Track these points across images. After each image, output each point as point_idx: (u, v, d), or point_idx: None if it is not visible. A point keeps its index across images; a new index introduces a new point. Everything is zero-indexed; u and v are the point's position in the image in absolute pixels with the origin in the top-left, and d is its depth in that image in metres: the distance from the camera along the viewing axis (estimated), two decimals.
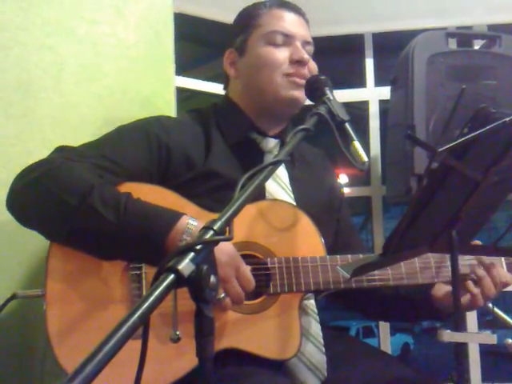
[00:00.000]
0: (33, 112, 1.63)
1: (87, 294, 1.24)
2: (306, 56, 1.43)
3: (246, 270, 1.20)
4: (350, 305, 1.68)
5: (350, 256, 1.35)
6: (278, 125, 1.52)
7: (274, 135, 1.51)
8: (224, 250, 1.13)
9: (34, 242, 1.46)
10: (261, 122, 1.49)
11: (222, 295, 1.20)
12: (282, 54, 1.43)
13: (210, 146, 1.42)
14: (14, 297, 1.36)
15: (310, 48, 1.49)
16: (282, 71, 1.42)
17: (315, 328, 1.38)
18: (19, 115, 1.61)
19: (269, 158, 1.47)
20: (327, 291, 1.41)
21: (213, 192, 1.36)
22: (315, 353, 1.35)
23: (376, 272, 1.34)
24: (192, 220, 1.18)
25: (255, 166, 1.43)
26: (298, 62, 1.42)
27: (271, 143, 1.49)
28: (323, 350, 1.37)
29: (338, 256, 1.34)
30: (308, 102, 1.30)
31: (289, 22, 1.46)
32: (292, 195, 1.45)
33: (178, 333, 1.16)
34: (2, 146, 1.56)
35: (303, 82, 1.40)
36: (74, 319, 1.23)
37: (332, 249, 1.48)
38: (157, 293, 0.68)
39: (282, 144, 1.51)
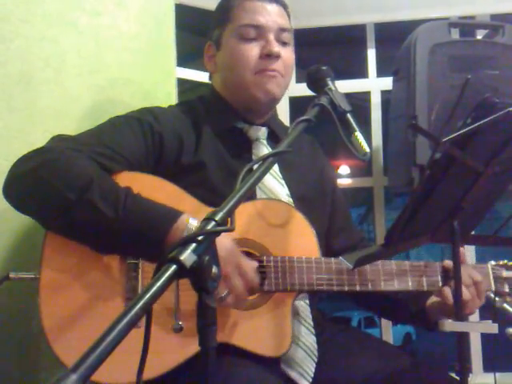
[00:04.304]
0: (34, 104, 1.63)
1: (83, 284, 1.23)
2: (276, 49, 1.41)
3: (248, 266, 1.20)
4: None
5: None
6: (262, 114, 1.52)
7: (261, 123, 1.51)
8: (223, 246, 1.11)
9: (29, 224, 1.47)
10: (245, 112, 1.49)
11: (225, 293, 1.19)
12: (252, 51, 1.42)
13: (200, 137, 1.42)
14: (6, 277, 1.34)
15: (287, 35, 1.46)
16: (252, 69, 1.41)
17: (305, 311, 1.40)
18: (21, 107, 1.60)
19: (257, 146, 1.48)
20: (321, 293, 1.42)
21: (204, 182, 1.36)
22: (307, 334, 1.37)
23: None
24: (192, 219, 1.17)
25: (243, 155, 1.45)
26: (268, 56, 1.41)
27: (258, 131, 1.49)
28: (313, 331, 1.39)
29: (333, 259, 1.33)
30: (310, 93, 1.29)
31: (260, 12, 1.43)
32: (282, 181, 1.46)
33: (180, 323, 1.17)
34: (3, 138, 1.56)
35: (274, 74, 1.42)
36: (69, 310, 1.21)
37: (328, 233, 1.50)
38: (159, 283, 0.68)
39: (270, 131, 1.51)
